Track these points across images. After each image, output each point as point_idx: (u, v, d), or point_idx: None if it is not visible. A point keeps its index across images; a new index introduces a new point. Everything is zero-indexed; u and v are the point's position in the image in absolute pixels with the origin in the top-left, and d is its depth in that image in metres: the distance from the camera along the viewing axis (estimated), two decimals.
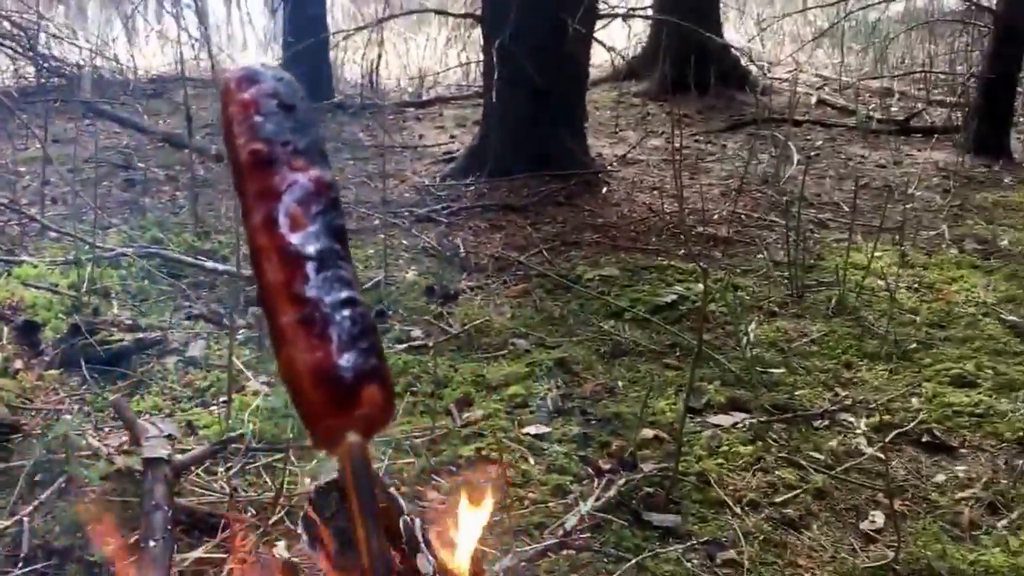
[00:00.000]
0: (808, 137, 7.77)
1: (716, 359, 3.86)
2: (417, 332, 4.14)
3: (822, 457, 3.23)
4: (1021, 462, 3.17)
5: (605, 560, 2.63)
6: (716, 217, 5.76)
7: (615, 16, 7.79)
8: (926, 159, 7.04)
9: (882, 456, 3.18)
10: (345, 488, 1.17)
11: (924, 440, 3.35)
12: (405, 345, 4.01)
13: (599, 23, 7.35)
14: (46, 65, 8.79)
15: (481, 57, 6.70)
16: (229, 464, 3.02)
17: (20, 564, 2.48)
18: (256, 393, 3.47)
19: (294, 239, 1.14)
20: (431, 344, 3.96)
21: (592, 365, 3.87)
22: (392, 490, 1.82)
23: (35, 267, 4.48)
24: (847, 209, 5.90)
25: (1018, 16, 6.81)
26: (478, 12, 6.74)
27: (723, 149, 7.27)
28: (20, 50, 8.87)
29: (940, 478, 3.14)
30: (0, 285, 4.22)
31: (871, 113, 8.41)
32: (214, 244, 5.03)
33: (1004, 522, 2.88)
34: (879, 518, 2.92)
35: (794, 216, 5.13)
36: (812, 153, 7.25)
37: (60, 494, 2.76)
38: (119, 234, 5.07)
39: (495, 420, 3.39)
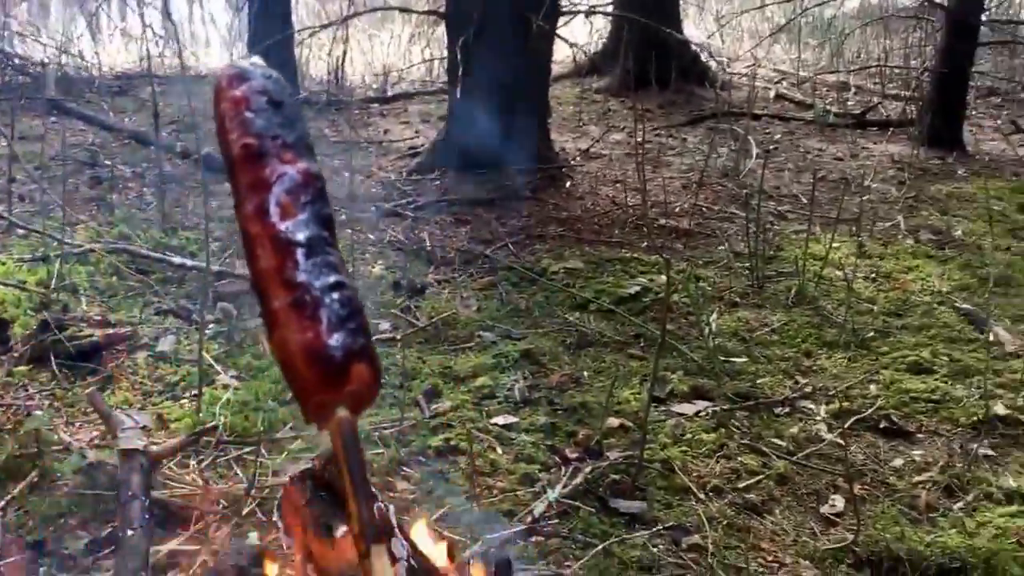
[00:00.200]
0: (767, 131, 7.88)
1: (679, 349, 3.94)
2: (385, 325, 4.18)
3: (783, 443, 3.31)
4: (976, 446, 3.27)
5: (573, 546, 2.69)
6: (678, 210, 5.85)
7: (577, 13, 7.85)
8: (882, 152, 7.18)
9: (841, 442, 3.28)
10: (336, 461, 1.24)
11: (882, 426, 3.45)
12: (374, 338, 4.04)
13: (562, 19, 7.42)
14: (10, 63, 8.71)
15: (445, 53, 6.74)
16: (201, 457, 3.04)
17: None
18: (226, 387, 3.50)
19: (285, 227, 1.21)
20: (399, 337, 4.00)
21: (558, 356, 3.93)
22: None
23: (3, 264, 4.46)
24: (805, 201, 6.01)
25: (969, 12, 6.96)
26: (442, 9, 6.78)
27: (684, 143, 7.36)
28: None
29: (898, 462, 3.23)
30: None
31: (828, 107, 8.55)
32: (182, 240, 5.03)
33: (960, 504, 2.98)
34: (839, 502, 3.01)
35: (754, 208, 5.22)
36: (771, 147, 7.36)
37: (32, 489, 2.78)
38: (87, 230, 5.05)
39: (463, 411, 3.45)
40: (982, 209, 5.84)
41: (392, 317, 4.27)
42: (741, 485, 3.06)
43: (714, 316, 4.28)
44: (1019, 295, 4.60)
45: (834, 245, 5.12)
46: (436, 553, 1.83)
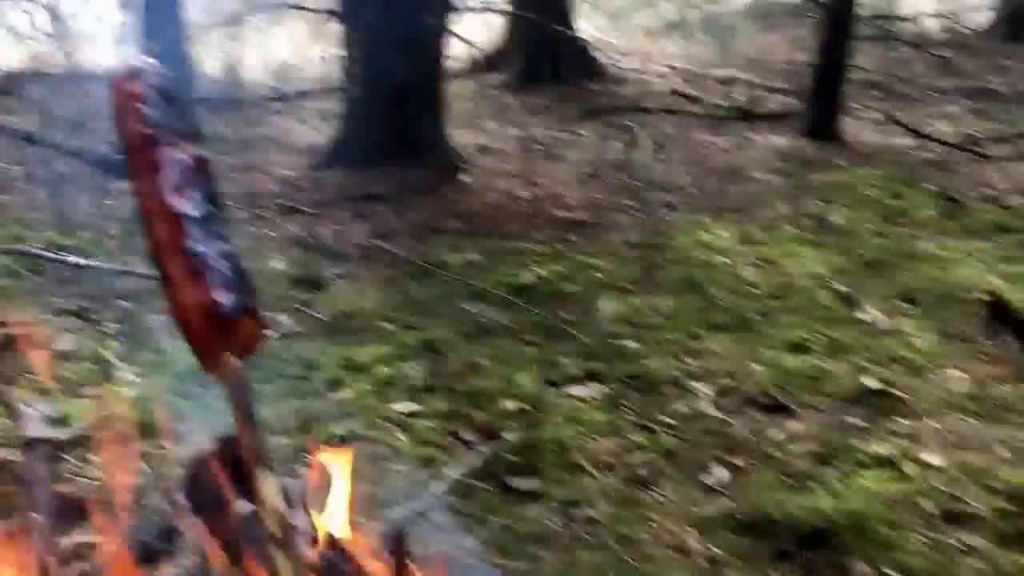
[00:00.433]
0: (659, 124, 8.11)
1: (572, 334, 4.09)
2: (285, 319, 4.24)
3: (672, 421, 3.49)
4: (847, 417, 3.50)
5: (471, 522, 2.82)
6: (572, 202, 6.01)
7: (470, 10, 7.97)
8: (767, 144, 7.47)
9: (725, 418, 3.47)
10: (230, 400, 1.51)
11: (763, 402, 3.65)
12: (274, 332, 4.10)
13: (457, 16, 7.53)
14: None
15: (341, 51, 6.79)
16: (102, 451, 3.07)
17: None
18: (126, 383, 3.53)
19: (178, 203, 1.39)
20: (300, 330, 4.06)
21: (457, 345, 4.05)
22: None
23: None
24: (695, 192, 6.24)
25: (843, 8, 7.29)
26: (337, 7, 6.82)
27: (578, 137, 7.54)
28: None
29: (777, 435, 3.43)
30: None
31: (717, 101, 8.83)
32: (77, 240, 5.00)
33: (832, 472, 3.19)
34: (722, 473, 3.19)
35: (644, 199, 5.43)
36: (662, 140, 7.59)
37: None
38: None
39: (365, 400, 3.54)
40: (859, 196, 6.14)
41: (292, 311, 4.33)
42: (631, 461, 3.22)
43: (606, 303, 4.45)
44: (891, 276, 4.87)
45: (721, 233, 5.36)
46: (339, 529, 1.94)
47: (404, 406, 3.50)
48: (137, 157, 1.44)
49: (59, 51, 8.11)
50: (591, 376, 3.81)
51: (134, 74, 1.42)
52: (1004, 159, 7.15)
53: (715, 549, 2.78)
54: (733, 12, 12.71)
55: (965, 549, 2.79)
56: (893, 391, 3.69)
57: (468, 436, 3.31)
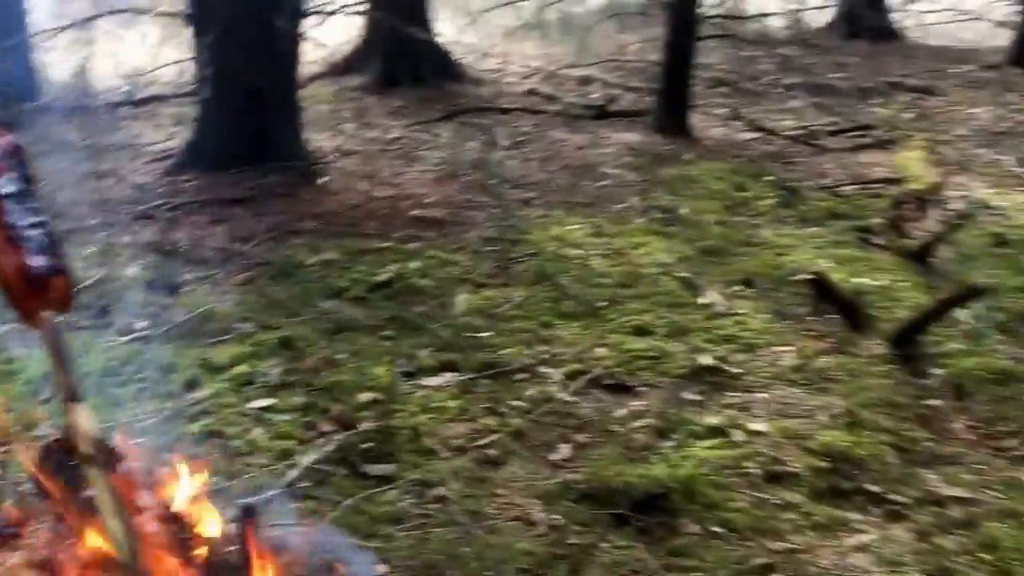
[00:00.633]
0: (517, 124, 8.30)
1: (428, 328, 4.23)
2: (141, 324, 4.26)
3: (522, 404, 3.66)
4: (685, 393, 3.73)
5: (326, 505, 2.93)
6: (430, 201, 6.15)
7: (322, 13, 8.02)
8: (620, 140, 7.74)
9: (572, 399, 3.67)
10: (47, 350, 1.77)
11: (608, 382, 3.86)
12: (129, 337, 4.12)
13: (312, 19, 7.58)
14: None
15: (194, 55, 6.76)
16: None
17: None
18: None
19: None
20: (156, 334, 4.09)
21: (315, 342, 4.14)
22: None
23: None
24: (550, 188, 6.46)
25: (687, 8, 7.63)
26: (186, 10, 6.80)
27: (436, 138, 7.68)
28: None
29: (620, 412, 3.64)
30: None
31: (573, 100, 9.09)
32: None
33: (669, 443, 3.41)
34: (567, 450, 3.38)
35: (501, 196, 5.61)
36: (520, 138, 7.79)
37: None
38: None
39: (222, 398, 3.61)
40: (704, 188, 6.45)
41: (149, 316, 4.35)
42: (481, 443, 3.38)
43: (462, 296, 4.61)
44: (731, 263, 5.16)
45: (574, 227, 5.58)
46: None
47: (261, 402, 3.58)
48: None
49: None
50: (446, 366, 3.96)
51: None
52: (839, 150, 7.59)
53: (557, 518, 2.97)
54: (590, 12, 13.04)
55: (783, 504, 3.04)
56: (727, 367, 3.95)
57: (324, 427, 3.42)
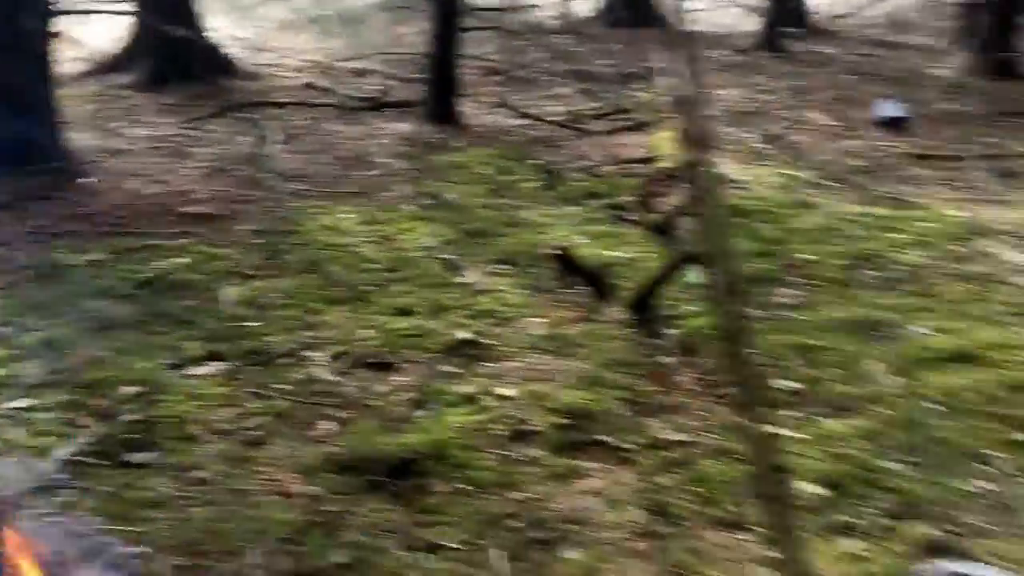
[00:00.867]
0: (291, 118, 8.36)
1: (195, 321, 4.31)
2: None
3: (287, 387, 3.82)
4: (443, 366, 3.98)
5: (86, 496, 3.00)
6: (200, 197, 6.16)
7: (76, 12, 7.82)
8: (393, 130, 7.94)
9: (336, 379, 3.85)
10: None
11: (371, 361, 4.06)
12: None
13: (71, 18, 7.40)
14: None
15: None
16: None
17: None
18: None
19: None
20: None
21: (78, 341, 4.14)
22: None
23: None
24: (322, 179, 6.58)
25: (450, 1, 7.91)
26: None
27: (207, 134, 7.65)
28: None
29: (381, 388, 3.85)
30: None
31: (349, 92, 9.21)
32: None
33: (424, 413, 3.64)
34: (329, 426, 3.56)
35: (272, 190, 5.70)
36: (294, 132, 7.86)
37: None
38: None
39: None
40: (472, 174, 6.74)
41: None
42: (245, 425, 3.52)
43: (230, 289, 4.70)
44: (493, 243, 5.45)
45: (344, 216, 5.73)
46: None
47: (19, 403, 3.59)
48: None
49: None
50: (212, 356, 4.06)
51: None
52: (601, 133, 8.05)
53: (316, 489, 3.15)
54: (366, 4, 13.16)
55: (526, 460, 3.33)
56: (483, 340, 4.22)
57: (84, 422, 3.47)
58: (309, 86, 9.60)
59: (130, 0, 9.54)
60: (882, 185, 6.67)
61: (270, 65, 10.46)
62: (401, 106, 8.59)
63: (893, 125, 8.03)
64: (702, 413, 3.63)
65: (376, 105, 8.71)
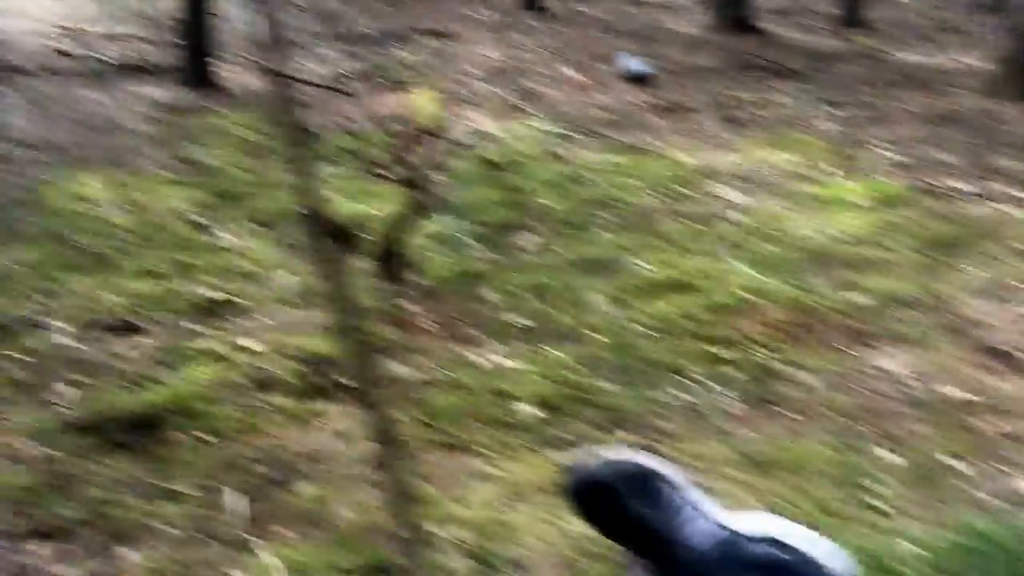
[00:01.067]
0: (40, 85, 8.03)
1: None
2: None
3: (21, 356, 3.77)
4: (191, 325, 4.04)
5: None
6: None
7: None
8: (146, 95, 7.76)
9: (78, 345, 3.85)
10: None
11: (115, 325, 4.06)
12: None
13: None
14: None
15: None
16: None
17: None
18: None
19: None
20: None
21: None
22: None
23: None
24: (70, 147, 6.40)
25: None
26: None
27: None
28: None
29: (125, 351, 3.87)
30: None
31: (100, 57, 8.91)
32: None
33: (170, 371, 3.70)
34: (67, 390, 3.57)
35: (10, 160, 5.51)
36: (41, 99, 7.56)
37: None
38: None
39: None
40: (229, 137, 6.71)
41: None
42: None
43: None
44: (249, 204, 5.49)
45: (91, 183, 5.62)
46: None
47: None
48: None
49: None
50: None
51: None
52: (362, 94, 8.15)
53: (53, 451, 3.17)
54: None
55: (269, 407, 3.46)
56: (232, 299, 4.30)
57: None
58: (58, 52, 9.21)
59: None
60: (625, 136, 7.09)
61: (19, 32, 9.95)
62: (155, 71, 8.39)
63: (638, 79, 8.50)
64: (437, 352, 3.86)
65: (129, 69, 8.47)
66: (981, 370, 3.71)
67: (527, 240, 5.07)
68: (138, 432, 3.27)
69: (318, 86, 8.18)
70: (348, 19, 11.20)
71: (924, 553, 2.53)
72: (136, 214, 5.28)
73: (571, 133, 7.12)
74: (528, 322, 4.10)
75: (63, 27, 10.43)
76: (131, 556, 2.73)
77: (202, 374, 3.64)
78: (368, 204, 5.49)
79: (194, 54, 7.94)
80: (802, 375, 3.66)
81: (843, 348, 3.89)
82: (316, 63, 9.28)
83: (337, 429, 3.35)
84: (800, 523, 2.32)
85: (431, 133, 7.00)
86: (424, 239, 4.91)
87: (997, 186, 5.91)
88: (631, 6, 12.52)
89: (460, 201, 5.48)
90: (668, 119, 7.59)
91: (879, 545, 2.57)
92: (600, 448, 2.02)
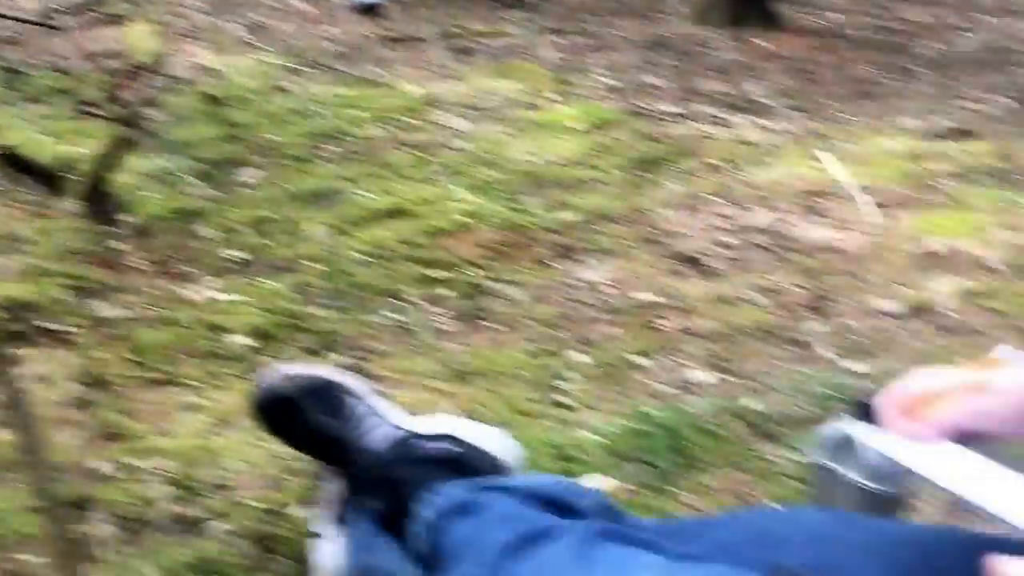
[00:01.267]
0: None
1: None
2: None
3: None
4: None
5: None
6: None
7: None
8: None
9: None
10: None
11: None
12: None
13: None
14: None
15: None
16: None
17: None
18: None
19: None
20: None
21: None
22: None
23: None
24: None
25: None
26: None
27: None
28: None
29: None
30: None
31: None
32: None
33: None
34: None
35: None
36: None
37: None
38: None
39: None
40: None
41: None
42: None
43: None
44: None
45: None
46: None
47: None
48: None
49: None
50: None
51: None
52: (76, 29, 7.71)
53: None
54: None
55: None
56: None
57: None
58: None
59: None
60: (354, 68, 7.09)
61: None
62: None
63: (368, 10, 8.47)
64: (148, 291, 3.79)
65: None
66: (671, 275, 4.02)
67: (248, 175, 5.02)
68: None
69: (24, 21, 7.68)
70: None
71: (602, 440, 2.77)
72: None
73: (299, 67, 7.04)
74: (245, 256, 4.09)
75: None
76: None
77: None
78: (78, 145, 5.25)
79: None
80: (510, 290, 3.86)
81: (549, 263, 4.12)
82: None
83: (36, 372, 3.25)
84: (491, 424, 2.50)
85: (148, 69, 6.76)
86: (138, 177, 4.78)
87: (699, 107, 6.35)
88: None
89: (178, 138, 5.36)
90: (397, 50, 7.63)
91: (563, 437, 2.79)
92: (283, 364, 2.08)
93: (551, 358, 3.32)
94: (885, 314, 3.68)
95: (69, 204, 4.46)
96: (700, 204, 4.78)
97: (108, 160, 4.43)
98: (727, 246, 4.32)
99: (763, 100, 6.55)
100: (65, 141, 5.31)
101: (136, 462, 2.71)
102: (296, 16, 8.56)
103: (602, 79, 6.94)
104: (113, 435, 2.88)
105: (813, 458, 2.01)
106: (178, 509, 2.54)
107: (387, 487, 1.96)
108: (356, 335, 3.46)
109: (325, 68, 7.05)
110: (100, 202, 4.43)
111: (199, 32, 7.80)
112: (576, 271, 4.06)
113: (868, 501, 1.99)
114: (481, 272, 3.98)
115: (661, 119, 6.12)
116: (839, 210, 4.65)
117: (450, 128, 5.82)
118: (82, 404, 3.07)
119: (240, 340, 3.39)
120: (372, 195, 4.71)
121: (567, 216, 4.59)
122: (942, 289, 3.81)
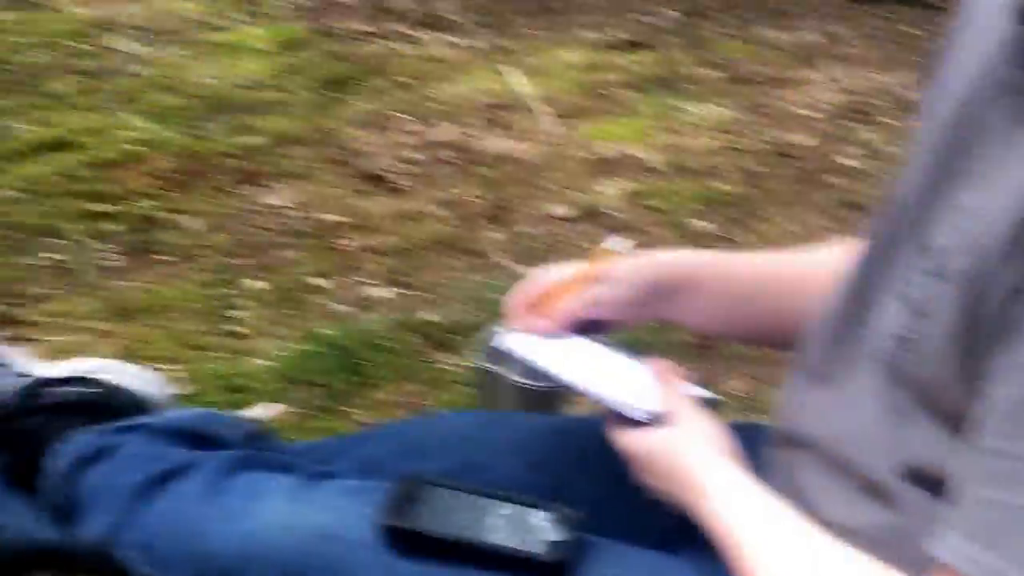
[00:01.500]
0: None
1: None
2: None
3: None
4: None
5: None
6: None
7: None
8: None
9: None
10: None
11: None
12: None
13: None
14: None
15: None
16: None
17: None
18: None
19: None
20: None
21: None
22: None
23: None
24: None
25: None
26: None
27: None
28: None
29: None
30: None
31: None
32: None
33: None
34: None
35: None
36: None
37: None
38: None
39: None
40: None
41: None
42: None
43: None
44: None
45: None
46: None
47: None
48: None
49: None
50: None
51: None
52: None
53: None
54: None
55: None
56: None
57: None
58: None
59: None
60: None
61: None
62: None
63: None
64: None
65: None
66: (356, 195, 3.99)
67: None
68: None
69: None
70: None
71: (274, 365, 2.73)
72: None
73: None
74: None
75: None
76: None
77: None
78: None
79: None
80: (185, 220, 3.70)
81: (231, 190, 3.98)
82: None
83: None
84: (157, 361, 2.39)
85: None
86: None
87: (389, 25, 6.28)
88: None
89: None
90: None
91: (234, 367, 2.73)
92: None
93: (226, 288, 3.22)
94: (558, 219, 3.82)
95: None
96: (388, 122, 4.75)
97: None
98: (413, 162, 4.33)
99: (452, 17, 6.55)
100: None
101: None
102: None
103: None
104: None
105: (476, 362, 2.06)
106: None
107: (14, 440, 1.85)
108: (8, 281, 3.21)
109: None
110: None
111: None
112: (259, 196, 3.95)
113: (527, 399, 2.07)
114: (154, 203, 3.79)
115: (352, 38, 6.01)
116: (520, 122, 4.75)
117: (124, 52, 5.46)
118: None
119: None
120: (31, 127, 4.36)
121: (251, 140, 4.44)
122: (610, 192, 4.00)
